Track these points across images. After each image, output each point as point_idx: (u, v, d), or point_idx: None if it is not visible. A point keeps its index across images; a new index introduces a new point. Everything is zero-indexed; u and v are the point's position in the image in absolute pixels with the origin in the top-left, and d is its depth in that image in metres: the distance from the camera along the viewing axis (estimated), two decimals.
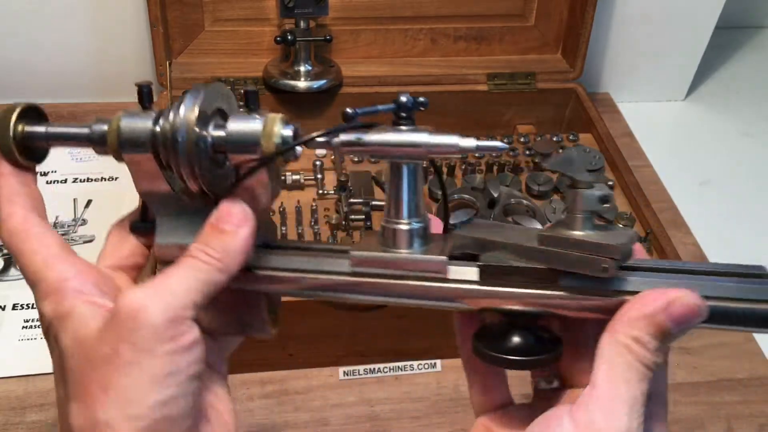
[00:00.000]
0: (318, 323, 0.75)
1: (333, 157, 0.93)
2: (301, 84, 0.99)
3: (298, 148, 0.37)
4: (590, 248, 0.35)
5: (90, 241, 0.90)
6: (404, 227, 0.39)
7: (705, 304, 0.34)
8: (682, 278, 0.36)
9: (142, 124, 0.37)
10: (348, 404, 0.77)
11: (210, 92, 0.38)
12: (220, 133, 0.37)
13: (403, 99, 0.38)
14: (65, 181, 1.00)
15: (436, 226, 0.83)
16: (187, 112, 0.36)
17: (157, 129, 0.37)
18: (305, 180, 0.89)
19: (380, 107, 0.37)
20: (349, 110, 0.37)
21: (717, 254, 0.96)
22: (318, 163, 0.91)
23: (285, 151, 0.37)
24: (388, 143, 0.37)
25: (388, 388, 0.78)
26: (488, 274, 0.38)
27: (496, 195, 0.85)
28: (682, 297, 0.34)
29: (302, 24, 0.98)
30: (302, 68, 1.00)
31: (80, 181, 1.00)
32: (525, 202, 0.87)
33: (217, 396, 0.41)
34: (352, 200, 0.85)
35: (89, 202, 0.96)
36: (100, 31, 1.07)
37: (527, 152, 0.98)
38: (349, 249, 0.39)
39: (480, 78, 1.06)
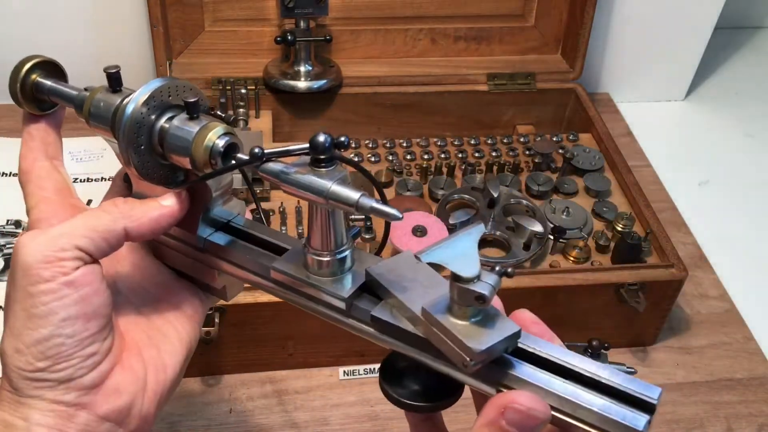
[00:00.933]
0: (318, 323, 0.74)
1: None
2: (301, 84, 0.99)
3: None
4: (454, 341, 0.34)
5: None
6: (318, 258, 0.39)
7: (542, 409, 0.33)
8: (552, 382, 0.34)
9: (110, 100, 0.39)
10: (348, 404, 0.77)
11: (178, 86, 0.39)
12: (165, 125, 0.39)
13: (320, 139, 0.36)
14: None
15: (439, 228, 0.83)
16: (140, 93, 0.38)
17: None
18: None
19: (293, 147, 0.37)
20: (257, 150, 0.37)
21: (716, 254, 0.96)
22: None
23: (213, 174, 0.38)
24: (297, 184, 0.36)
25: None
26: (381, 325, 0.38)
27: (496, 195, 0.85)
28: (515, 401, 0.33)
29: (302, 24, 0.98)
30: (302, 68, 1.00)
31: (80, 181, 1.00)
32: (525, 202, 0.87)
33: (166, 338, 0.42)
34: None
35: (89, 202, 0.96)
36: (100, 31, 1.07)
37: (527, 152, 0.98)
38: (288, 249, 0.41)
39: (480, 78, 1.06)
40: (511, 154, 0.98)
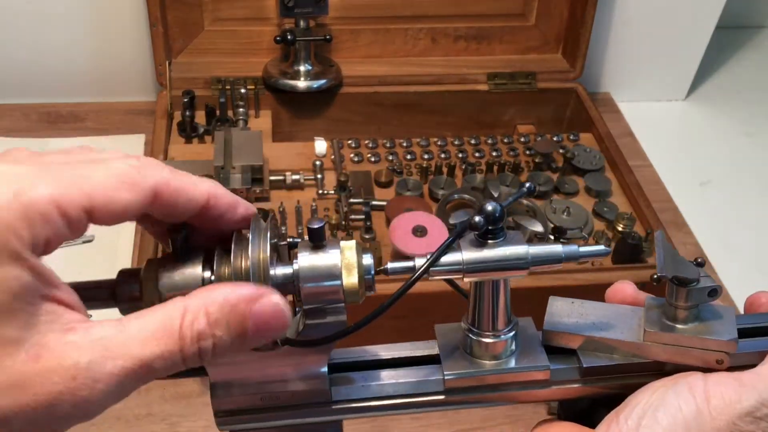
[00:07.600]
0: None
1: (333, 157, 0.93)
2: (301, 84, 0.99)
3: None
4: (700, 344, 0.35)
5: (89, 241, 0.89)
6: (492, 340, 0.37)
7: None
8: None
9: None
10: None
11: (265, 229, 0.33)
12: (287, 270, 0.33)
13: (489, 208, 0.34)
14: None
15: (439, 228, 0.83)
16: (258, 251, 0.32)
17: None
18: (305, 180, 0.89)
19: (444, 243, 0.34)
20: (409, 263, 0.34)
21: (717, 254, 0.96)
22: (318, 163, 0.91)
23: (386, 307, 0.35)
24: (492, 262, 0.34)
25: None
26: (589, 374, 0.38)
27: (496, 195, 0.85)
28: None
29: (302, 24, 0.98)
30: (302, 68, 1.00)
31: None
32: (525, 202, 0.87)
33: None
34: (352, 200, 0.85)
35: None
36: (100, 31, 1.07)
37: (527, 152, 0.98)
38: (442, 369, 0.38)
39: (480, 78, 1.06)
40: (511, 154, 0.97)
